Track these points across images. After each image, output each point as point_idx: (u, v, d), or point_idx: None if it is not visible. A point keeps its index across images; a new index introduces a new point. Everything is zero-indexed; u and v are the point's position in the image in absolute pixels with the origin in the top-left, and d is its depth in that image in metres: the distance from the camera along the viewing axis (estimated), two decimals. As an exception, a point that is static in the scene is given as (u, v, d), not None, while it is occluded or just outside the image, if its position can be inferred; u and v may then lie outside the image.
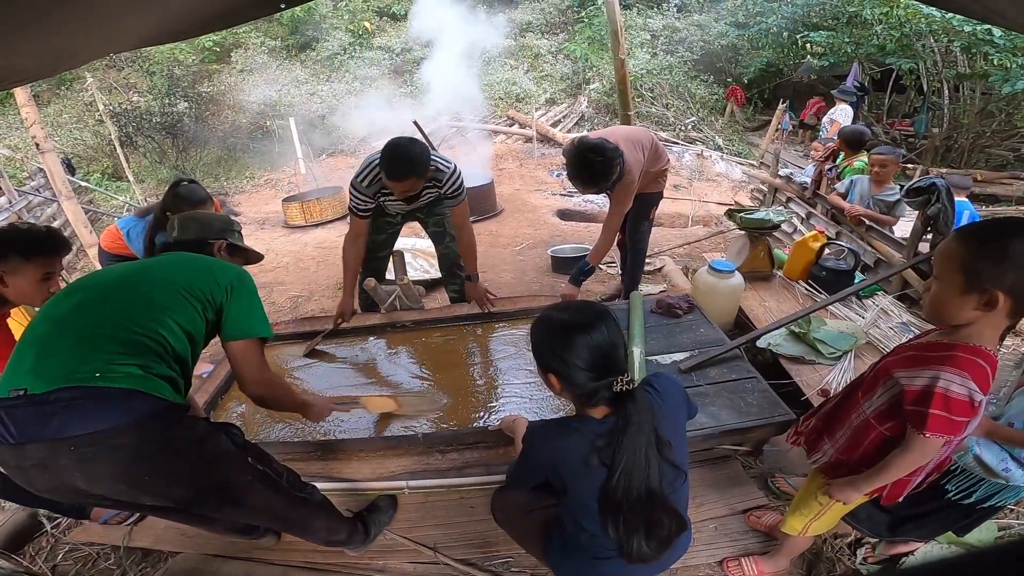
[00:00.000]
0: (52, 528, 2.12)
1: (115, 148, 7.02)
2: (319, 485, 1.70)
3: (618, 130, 2.91)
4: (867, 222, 3.50)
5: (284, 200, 6.77)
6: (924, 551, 1.82)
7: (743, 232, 3.36)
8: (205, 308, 1.41)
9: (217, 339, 1.51)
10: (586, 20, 11.03)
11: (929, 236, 2.92)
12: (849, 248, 3.16)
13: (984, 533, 1.84)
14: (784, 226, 4.35)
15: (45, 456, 1.15)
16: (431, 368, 2.41)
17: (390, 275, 3.11)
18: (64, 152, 8.28)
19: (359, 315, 2.99)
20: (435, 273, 4.08)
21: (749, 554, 1.79)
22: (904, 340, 1.54)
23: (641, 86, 9.89)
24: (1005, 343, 2.89)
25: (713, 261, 2.94)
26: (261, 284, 1.55)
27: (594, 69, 10.31)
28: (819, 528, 1.52)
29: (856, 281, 2.98)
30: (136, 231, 2.61)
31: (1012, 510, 1.98)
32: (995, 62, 6.58)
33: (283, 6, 1.47)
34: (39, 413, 1.14)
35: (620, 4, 4.84)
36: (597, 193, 2.69)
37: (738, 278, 2.92)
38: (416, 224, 3.13)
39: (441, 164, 2.48)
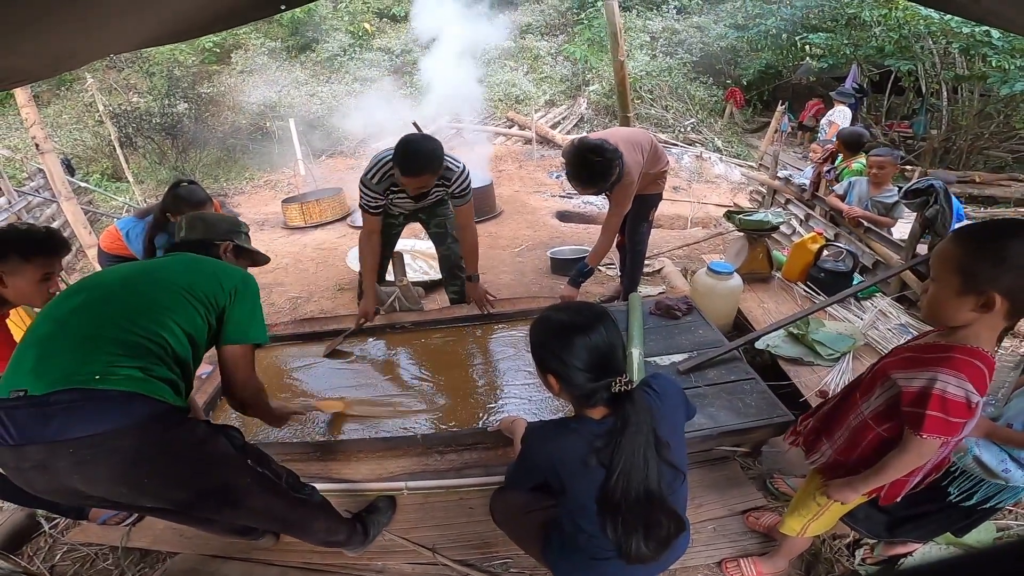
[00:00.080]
0: (50, 528, 2.12)
1: (115, 149, 7.02)
2: (318, 486, 1.70)
3: (618, 131, 2.92)
4: (865, 224, 3.51)
5: (283, 201, 6.77)
6: (922, 552, 1.82)
7: (742, 234, 3.37)
8: (208, 311, 1.41)
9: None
10: (586, 22, 11.05)
11: (927, 238, 2.93)
12: (847, 250, 3.16)
13: (983, 534, 1.84)
14: (783, 228, 4.36)
15: (44, 458, 1.15)
16: (430, 369, 2.42)
17: (390, 276, 3.11)
18: (64, 153, 8.27)
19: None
20: (435, 274, 4.08)
21: (748, 555, 1.80)
22: (902, 341, 1.54)
23: (640, 88, 9.90)
24: (1004, 344, 2.90)
25: (712, 263, 2.95)
26: (260, 285, 1.55)
27: (593, 71, 10.32)
28: (817, 529, 1.52)
29: (854, 283, 2.98)
30: (135, 232, 2.61)
31: (1011, 511, 1.98)
32: (993, 64, 6.60)
33: (283, 7, 1.47)
34: (39, 415, 1.14)
35: (619, 6, 4.85)
36: (596, 194, 2.70)
37: (737, 280, 2.92)
38: (415, 225, 3.14)
39: (451, 163, 2.49)
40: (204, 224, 1.72)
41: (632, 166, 2.63)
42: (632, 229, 3.13)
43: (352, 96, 9.88)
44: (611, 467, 1.14)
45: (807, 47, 9.67)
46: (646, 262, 3.70)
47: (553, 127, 9.51)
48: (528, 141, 9.13)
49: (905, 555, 1.82)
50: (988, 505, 1.50)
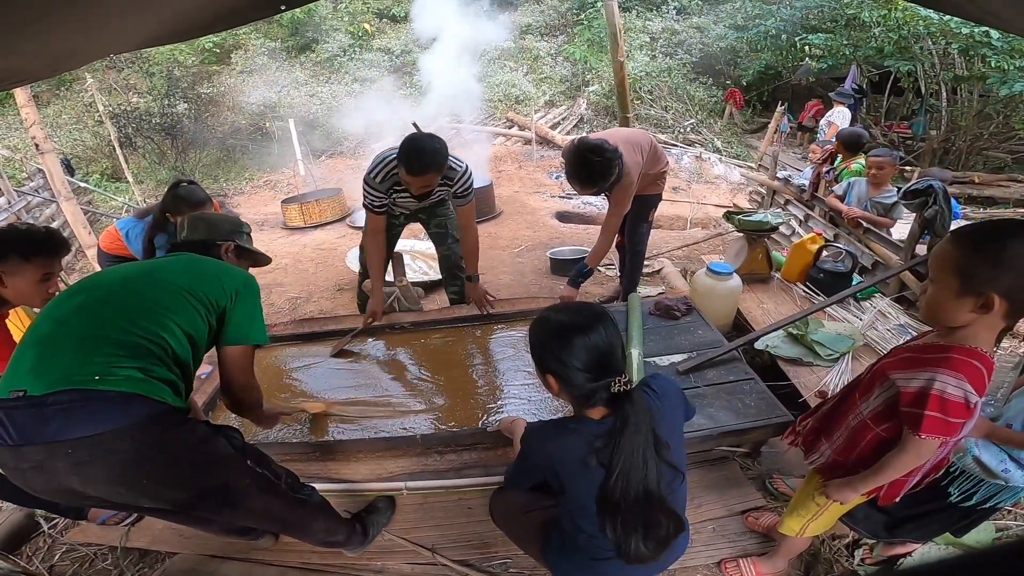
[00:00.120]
0: (49, 528, 2.12)
1: (114, 149, 7.02)
2: (317, 486, 1.70)
3: (617, 132, 2.92)
4: (865, 224, 3.51)
5: (283, 201, 6.77)
6: (922, 552, 1.82)
7: (741, 234, 3.37)
8: (208, 312, 1.41)
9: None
10: (585, 22, 11.06)
11: (926, 238, 2.93)
12: (847, 250, 3.17)
13: (982, 534, 1.84)
14: (782, 228, 4.36)
15: (43, 458, 1.14)
16: (430, 369, 2.42)
17: (389, 277, 3.11)
18: (63, 153, 8.27)
19: (357, 316, 2.99)
20: (434, 275, 4.08)
21: (747, 555, 1.80)
22: (901, 342, 1.54)
23: (640, 88, 9.91)
24: (1003, 345, 2.90)
25: (711, 263, 2.95)
26: (260, 286, 1.56)
27: (593, 71, 10.32)
28: (817, 529, 1.52)
29: (854, 283, 2.99)
30: (135, 232, 2.61)
31: (1010, 511, 1.99)
32: (992, 64, 6.61)
33: (284, 7, 1.48)
34: (37, 415, 1.13)
35: (619, 6, 4.85)
36: (595, 194, 2.70)
37: (736, 280, 2.92)
38: (415, 226, 3.13)
39: (454, 163, 2.49)
40: (206, 224, 1.72)
41: (632, 166, 2.63)
42: (632, 230, 3.13)
43: (352, 96, 9.88)
44: (610, 467, 1.14)
45: (806, 48, 9.67)
46: (645, 262, 3.71)
47: (553, 128, 9.51)
48: (528, 142, 9.14)
49: (904, 555, 1.82)
50: (988, 505, 1.50)
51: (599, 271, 4.16)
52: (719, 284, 2.89)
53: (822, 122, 6.48)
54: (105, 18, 1.33)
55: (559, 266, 4.35)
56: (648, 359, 2.30)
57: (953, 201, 3.10)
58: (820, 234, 3.34)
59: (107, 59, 9.47)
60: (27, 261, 1.62)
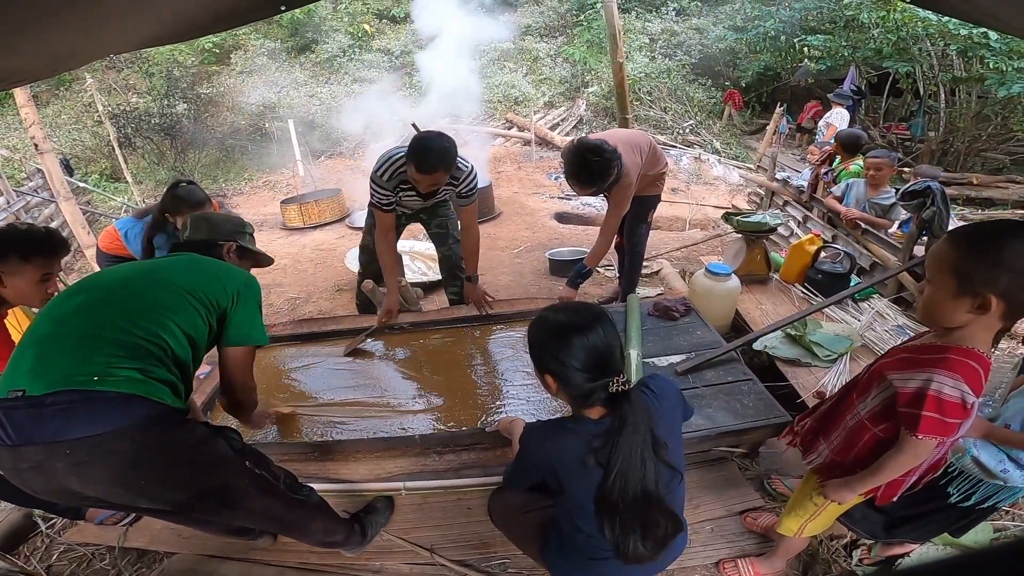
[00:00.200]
0: (47, 528, 2.12)
1: (114, 149, 7.01)
2: (316, 486, 1.70)
3: (616, 133, 2.93)
4: (863, 225, 3.52)
5: (282, 202, 6.77)
6: (920, 552, 1.82)
7: (740, 235, 3.37)
8: (209, 313, 1.41)
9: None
10: (585, 23, 11.06)
11: (924, 239, 2.94)
12: (845, 251, 3.17)
13: (980, 534, 1.85)
14: (781, 229, 4.37)
15: (42, 459, 1.14)
16: (428, 370, 2.42)
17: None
18: (63, 153, 8.27)
19: (356, 317, 3.00)
20: (433, 275, 4.09)
21: (745, 555, 1.80)
22: (899, 342, 1.55)
23: (639, 89, 9.91)
24: (1001, 346, 2.91)
25: (710, 264, 2.95)
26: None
27: (593, 72, 10.33)
28: (814, 529, 1.52)
29: (852, 284, 2.99)
30: (134, 232, 2.61)
31: (1007, 511, 1.99)
32: (991, 66, 6.62)
33: (284, 8, 1.48)
34: (36, 415, 1.13)
35: (619, 8, 4.85)
36: (594, 194, 2.71)
37: (735, 281, 2.93)
38: (414, 227, 3.14)
39: (460, 163, 2.49)
40: (208, 224, 1.72)
41: (631, 167, 2.63)
42: (630, 230, 3.13)
43: (351, 97, 9.88)
44: (608, 467, 1.14)
45: (805, 49, 9.69)
46: (644, 263, 3.71)
47: (552, 129, 9.51)
48: (527, 143, 9.14)
49: (902, 556, 1.82)
50: (986, 505, 1.51)
51: (598, 272, 4.16)
52: (718, 285, 2.90)
53: (820, 123, 6.49)
54: (105, 18, 1.34)
55: (558, 267, 4.35)
56: (647, 360, 2.31)
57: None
58: (818, 235, 3.34)
59: (107, 59, 9.46)
60: (27, 261, 1.61)
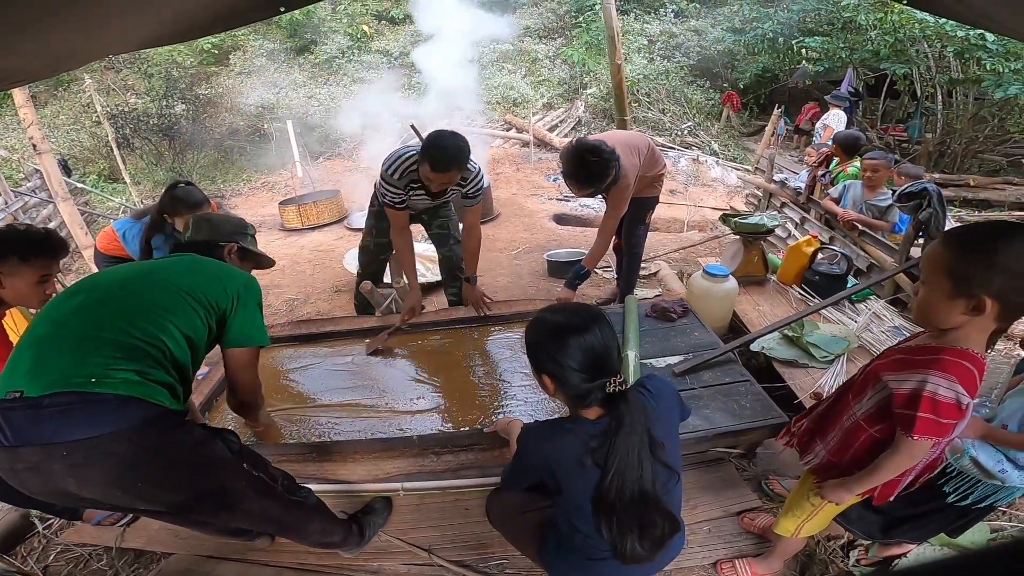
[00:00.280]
0: (44, 529, 2.11)
1: (112, 150, 7.01)
2: (314, 487, 1.70)
3: (615, 134, 2.93)
4: (860, 227, 3.53)
5: (281, 203, 6.77)
6: (917, 553, 1.83)
7: (737, 237, 3.38)
8: (208, 314, 1.41)
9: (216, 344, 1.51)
10: (584, 25, 11.08)
11: (921, 240, 2.94)
12: (842, 253, 3.18)
13: (977, 535, 1.85)
14: (778, 231, 4.38)
15: (39, 460, 1.14)
16: (426, 371, 2.42)
17: (387, 278, 3.12)
18: (61, 153, 8.26)
19: (355, 318, 3.00)
20: (431, 276, 4.09)
21: (743, 556, 1.80)
22: (894, 343, 1.55)
23: (638, 91, 9.93)
24: (999, 347, 2.91)
25: (708, 265, 2.96)
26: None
27: (591, 74, 10.34)
28: (811, 529, 1.53)
29: (849, 285, 3.00)
30: (132, 233, 2.61)
31: (1005, 512, 1.99)
32: (988, 67, 6.63)
33: (283, 9, 1.48)
34: (34, 417, 1.13)
35: (617, 9, 4.87)
36: (592, 195, 2.71)
37: (732, 282, 2.93)
38: (413, 227, 3.13)
39: (469, 163, 2.50)
40: (209, 225, 1.72)
41: (629, 169, 2.64)
42: (629, 232, 3.14)
43: (350, 98, 9.89)
44: (606, 467, 1.14)
45: (803, 51, 9.72)
46: (642, 265, 3.71)
47: (551, 130, 9.52)
48: (526, 144, 9.14)
49: (899, 556, 1.83)
50: (984, 505, 1.51)
51: (596, 273, 4.16)
52: (715, 286, 2.90)
53: (818, 125, 6.50)
54: (105, 18, 1.34)
55: (556, 268, 4.36)
56: (644, 361, 2.31)
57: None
58: (816, 237, 3.36)
59: (105, 60, 9.46)
60: (25, 262, 1.61)
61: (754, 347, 2.57)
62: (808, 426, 1.47)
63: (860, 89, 9.23)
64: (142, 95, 9.68)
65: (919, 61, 7.86)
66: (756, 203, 5.57)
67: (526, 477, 1.36)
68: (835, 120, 6.05)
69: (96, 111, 7.50)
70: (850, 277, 3.14)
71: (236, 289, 1.47)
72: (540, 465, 1.24)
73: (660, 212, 4.41)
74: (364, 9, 11.80)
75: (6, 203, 5.39)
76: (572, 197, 7.01)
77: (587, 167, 2.51)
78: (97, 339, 1.24)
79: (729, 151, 9.54)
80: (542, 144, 9.16)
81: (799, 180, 4.87)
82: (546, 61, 10.98)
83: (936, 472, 1.48)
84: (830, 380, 2.33)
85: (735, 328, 3.04)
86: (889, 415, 1.18)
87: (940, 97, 8.04)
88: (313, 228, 6.34)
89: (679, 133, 9.74)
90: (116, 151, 6.92)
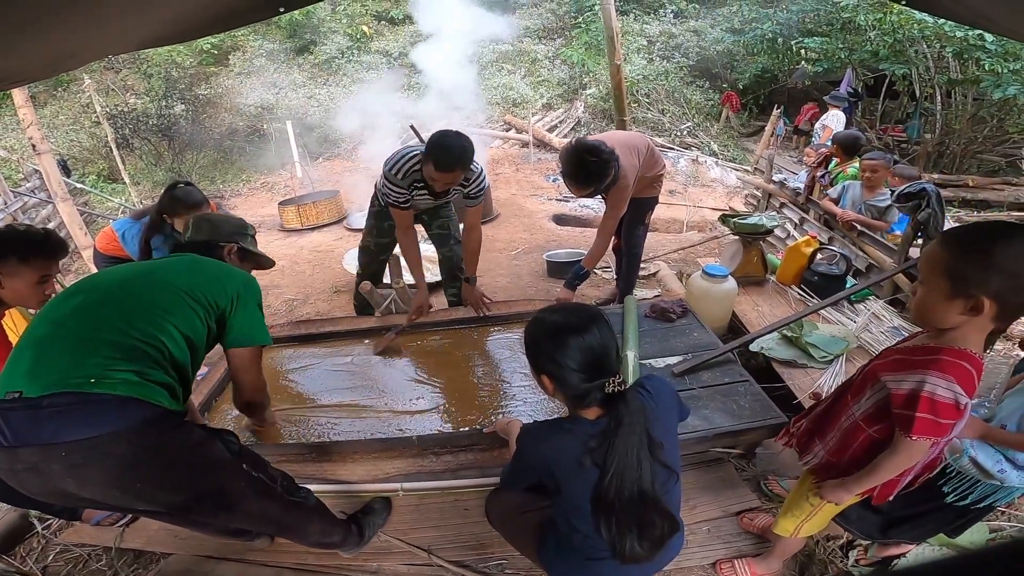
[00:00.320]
0: (43, 529, 2.11)
1: (111, 150, 7.01)
2: (313, 487, 1.70)
3: (615, 135, 2.93)
4: (859, 227, 3.53)
5: (280, 203, 6.77)
6: (916, 553, 1.83)
7: (737, 237, 3.38)
8: (208, 314, 1.41)
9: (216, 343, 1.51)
10: (583, 26, 11.09)
11: (920, 241, 2.95)
12: (841, 253, 3.18)
13: (976, 535, 1.86)
14: (777, 231, 4.38)
15: (37, 460, 1.14)
16: (426, 371, 2.42)
17: (386, 279, 3.12)
18: (60, 154, 8.25)
19: (353, 319, 3.00)
20: (431, 277, 4.07)
21: (742, 556, 1.80)
22: (892, 343, 1.56)
23: (637, 92, 9.93)
24: (997, 347, 2.92)
25: (707, 266, 2.96)
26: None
27: (591, 74, 10.35)
28: (810, 529, 1.53)
29: (848, 286, 3.00)
30: (131, 233, 2.61)
31: (1003, 512, 2.00)
32: (987, 67, 6.63)
33: (282, 9, 1.48)
34: (33, 417, 1.13)
35: (617, 10, 4.87)
36: (590, 195, 2.71)
37: (731, 283, 2.94)
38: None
39: (472, 163, 2.51)
40: (210, 225, 1.72)
41: (628, 169, 2.64)
42: (628, 232, 3.14)
43: (349, 99, 9.89)
44: (605, 467, 1.15)
45: (802, 51, 9.72)
46: (642, 265, 3.72)
47: (550, 131, 9.53)
48: (525, 144, 9.15)
49: (898, 556, 1.83)
50: (983, 505, 1.52)
51: (595, 273, 4.17)
52: (715, 287, 2.90)
53: (816, 126, 6.51)
54: (105, 18, 1.34)
55: (556, 268, 4.36)
56: (644, 361, 2.31)
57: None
58: (815, 237, 3.36)
59: (105, 60, 9.46)
60: (25, 263, 1.60)
61: (753, 347, 2.57)
62: (807, 426, 1.48)
63: (859, 89, 9.24)
64: (141, 95, 9.68)
65: (918, 61, 7.86)
66: (755, 203, 5.58)
67: (525, 477, 1.36)
68: (834, 121, 6.06)
69: (95, 111, 7.50)
70: (849, 277, 3.14)
71: (236, 289, 1.47)
72: (539, 465, 1.24)
73: (659, 212, 4.42)
74: (364, 9, 11.81)
75: (5, 203, 5.39)
76: (571, 197, 7.01)
77: (586, 167, 2.51)
78: (96, 340, 1.24)
79: (728, 151, 9.55)
80: (541, 144, 9.17)
81: (798, 180, 4.88)
82: (545, 61, 10.99)
83: (936, 472, 1.48)
84: (829, 380, 2.33)
85: (734, 328, 3.04)
86: (888, 415, 1.18)
87: (939, 97, 8.05)
88: (312, 228, 6.34)
89: (678, 133, 9.75)
90: (115, 151, 6.91)
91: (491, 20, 9.64)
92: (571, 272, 2.89)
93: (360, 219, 5.93)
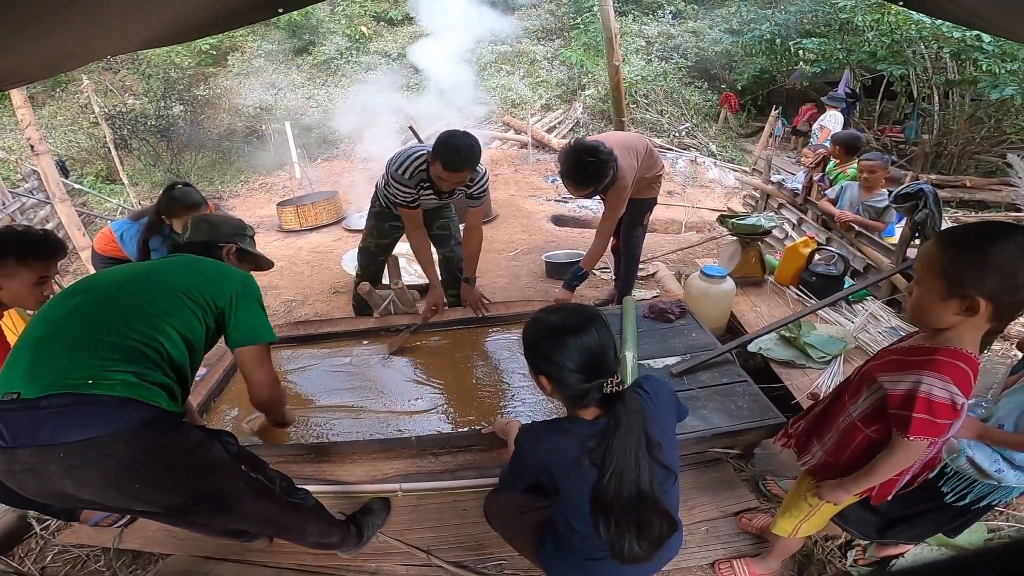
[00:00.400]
0: (41, 530, 2.11)
1: (109, 151, 7.01)
2: (312, 488, 1.70)
3: (613, 136, 2.94)
4: (856, 228, 3.54)
5: (279, 204, 6.77)
6: (914, 553, 1.83)
7: (735, 238, 3.39)
8: (206, 314, 1.41)
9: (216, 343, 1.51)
10: (582, 26, 11.09)
11: (917, 241, 2.95)
12: (839, 254, 3.19)
13: (974, 535, 1.86)
14: (775, 232, 4.38)
15: (35, 461, 1.14)
16: (424, 372, 2.42)
17: (385, 280, 3.12)
18: (58, 154, 8.25)
19: (352, 319, 3.00)
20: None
21: (741, 556, 1.81)
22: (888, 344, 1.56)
23: (636, 92, 9.94)
24: (995, 347, 2.93)
25: (705, 267, 2.97)
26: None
27: (589, 75, 10.36)
28: (809, 529, 1.53)
29: (846, 286, 3.01)
30: (130, 234, 2.61)
31: (1002, 512, 2.00)
32: (984, 68, 6.64)
33: (281, 10, 1.48)
34: (31, 418, 1.13)
35: (616, 11, 4.88)
36: (589, 196, 2.71)
37: (730, 283, 2.94)
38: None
39: None
40: (209, 226, 1.72)
41: (627, 170, 2.64)
42: (627, 233, 3.15)
43: (348, 99, 9.89)
44: (603, 467, 1.15)
45: (800, 52, 9.72)
46: (640, 266, 3.72)
47: (549, 131, 9.53)
48: (524, 145, 9.15)
49: (897, 556, 1.83)
50: (981, 505, 1.52)
51: (594, 274, 4.17)
52: (713, 287, 2.91)
53: (814, 126, 6.52)
54: (105, 19, 1.34)
55: (554, 269, 4.36)
56: (642, 361, 2.32)
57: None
58: (813, 238, 3.36)
59: (104, 60, 9.45)
60: (23, 264, 1.60)
61: (751, 348, 2.57)
62: (805, 427, 1.48)
63: (857, 90, 9.25)
64: (140, 96, 9.68)
65: (916, 62, 7.87)
66: (754, 204, 5.58)
67: (524, 478, 1.36)
68: (832, 121, 6.07)
69: (94, 112, 7.49)
70: (847, 278, 3.15)
71: (234, 288, 1.47)
72: (537, 465, 1.24)
73: (658, 213, 4.43)
74: (362, 10, 11.81)
75: (3, 204, 5.39)
76: (570, 198, 7.02)
77: (585, 168, 2.51)
78: (94, 341, 1.24)
79: (727, 152, 9.56)
80: (540, 145, 9.17)
81: (796, 181, 4.89)
82: (544, 62, 10.99)
83: (934, 472, 1.49)
84: (827, 380, 2.34)
85: (732, 329, 3.05)
86: (885, 416, 1.18)
87: (937, 98, 8.06)
88: (311, 229, 6.34)
89: (677, 134, 9.76)
90: (114, 152, 6.91)
91: (490, 21, 9.66)
92: (570, 273, 2.90)
93: (358, 220, 5.94)
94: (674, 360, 2.32)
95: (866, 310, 2.85)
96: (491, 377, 2.37)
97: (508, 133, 9.75)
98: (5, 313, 1.81)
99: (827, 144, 4.64)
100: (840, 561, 1.83)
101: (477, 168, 2.50)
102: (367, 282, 2.86)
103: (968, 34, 6.49)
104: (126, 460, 1.17)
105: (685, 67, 10.75)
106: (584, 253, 2.93)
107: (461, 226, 3.01)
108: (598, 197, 2.75)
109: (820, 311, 2.73)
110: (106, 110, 8.59)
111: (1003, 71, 6.44)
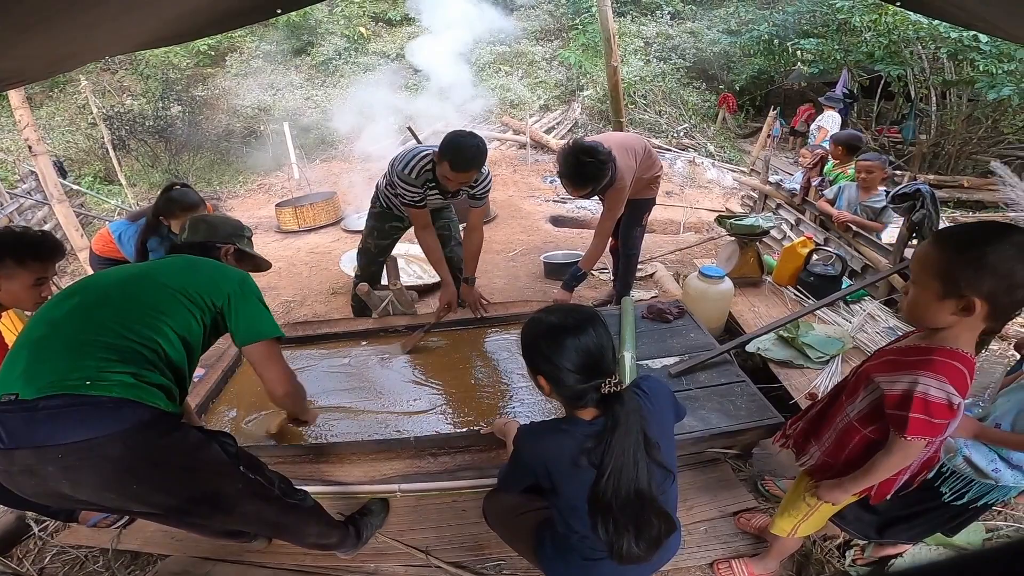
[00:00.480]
0: (40, 531, 2.11)
1: (108, 151, 7.00)
2: (311, 488, 1.70)
3: (612, 136, 2.94)
4: (854, 228, 3.55)
5: (277, 205, 6.76)
6: (913, 553, 1.84)
7: (733, 238, 3.39)
8: (204, 313, 1.40)
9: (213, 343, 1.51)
10: (580, 27, 11.09)
11: (915, 241, 2.96)
12: (837, 254, 3.20)
13: (972, 535, 1.87)
14: (773, 232, 4.40)
15: (33, 462, 1.14)
16: (423, 372, 2.42)
17: (384, 280, 3.12)
18: (56, 155, 8.23)
19: (351, 320, 3.00)
20: (428, 279, 4.10)
21: (739, 556, 1.81)
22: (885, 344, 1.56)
23: (634, 93, 9.95)
24: (993, 347, 2.93)
25: (703, 267, 2.97)
26: (253, 287, 1.59)
27: (588, 76, 10.36)
28: (807, 529, 1.53)
29: (843, 286, 3.01)
30: (128, 235, 2.60)
31: (1000, 511, 2.01)
32: (981, 68, 6.66)
33: (279, 11, 1.49)
34: (29, 419, 1.13)
35: (614, 11, 4.88)
36: (587, 196, 2.72)
37: (728, 284, 2.94)
38: (410, 231, 3.14)
39: None
40: (207, 227, 1.72)
41: (625, 170, 2.65)
42: (625, 233, 3.15)
43: (346, 100, 9.89)
44: (602, 467, 1.15)
45: (799, 52, 9.74)
46: (639, 266, 3.73)
47: (547, 132, 9.53)
48: (522, 146, 9.15)
49: (895, 556, 1.83)
50: (979, 504, 1.52)
51: (593, 275, 4.17)
52: (711, 288, 2.91)
53: (812, 127, 6.53)
54: (104, 20, 1.34)
55: (553, 270, 4.36)
56: (641, 362, 2.32)
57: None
58: (810, 238, 3.37)
59: (102, 61, 9.44)
60: (21, 265, 1.60)
61: (750, 348, 2.58)
62: (803, 427, 1.48)
63: (855, 91, 9.26)
64: (138, 96, 9.66)
65: (913, 63, 7.89)
66: (752, 205, 5.59)
67: (522, 478, 1.36)
68: (829, 122, 6.08)
69: (92, 112, 7.48)
70: (845, 278, 3.16)
71: (232, 286, 1.47)
72: (536, 466, 1.24)
73: (656, 214, 4.43)
74: (361, 11, 11.80)
75: (1, 205, 5.38)
76: (569, 199, 7.02)
77: (583, 168, 2.52)
78: (92, 341, 1.24)
79: (725, 153, 9.57)
80: (539, 146, 9.17)
81: (794, 182, 4.89)
82: (543, 63, 11.00)
83: (933, 472, 1.49)
84: (825, 380, 2.34)
85: (731, 329, 3.05)
86: (882, 416, 1.19)
87: (934, 98, 8.08)
88: (309, 230, 6.33)
89: (675, 135, 9.77)
90: (112, 153, 6.90)
91: (489, 21, 9.67)
92: (568, 273, 2.90)
93: (357, 221, 5.93)
94: (672, 360, 2.33)
95: (864, 310, 2.86)
96: (490, 378, 2.37)
97: (507, 134, 9.75)
98: (3, 314, 1.81)
99: (825, 144, 4.65)
100: (838, 561, 1.84)
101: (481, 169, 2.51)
102: (366, 283, 2.87)
103: (965, 34, 6.51)
104: (124, 461, 1.17)
105: (683, 68, 10.76)
106: (582, 254, 2.93)
107: (461, 226, 3.01)
108: (596, 197, 2.76)
109: (818, 311, 2.74)
110: (104, 111, 8.57)
111: (1000, 71, 6.46)
